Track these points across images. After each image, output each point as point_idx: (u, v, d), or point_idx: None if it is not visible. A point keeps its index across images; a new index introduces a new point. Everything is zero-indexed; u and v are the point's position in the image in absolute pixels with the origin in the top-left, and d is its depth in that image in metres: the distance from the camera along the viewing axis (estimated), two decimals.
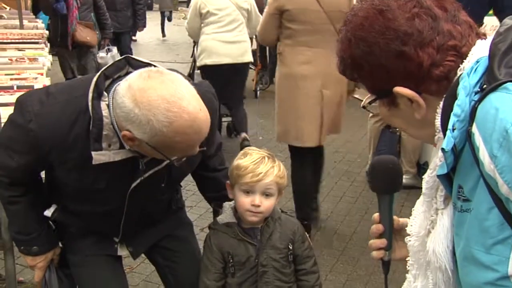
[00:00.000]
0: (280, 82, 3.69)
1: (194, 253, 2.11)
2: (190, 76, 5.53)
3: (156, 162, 1.70)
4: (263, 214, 1.87)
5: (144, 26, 8.82)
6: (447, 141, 0.92)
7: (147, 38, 13.47)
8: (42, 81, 3.15)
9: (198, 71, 5.38)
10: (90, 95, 1.56)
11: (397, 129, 3.82)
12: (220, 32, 4.84)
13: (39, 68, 3.48)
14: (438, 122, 0.98)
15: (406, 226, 1.25)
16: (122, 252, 1.99)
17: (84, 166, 1.62)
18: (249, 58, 5.00)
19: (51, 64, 3.83)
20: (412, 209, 1.14)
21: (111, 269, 1.98)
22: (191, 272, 1.99)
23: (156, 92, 1.44)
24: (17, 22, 4.78)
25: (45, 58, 3.75)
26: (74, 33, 5.69)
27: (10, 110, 2.57)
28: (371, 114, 4.73)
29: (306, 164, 3.73)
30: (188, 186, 3.53)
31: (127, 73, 1.61)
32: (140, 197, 1.77)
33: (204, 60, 4.94)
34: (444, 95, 0.97)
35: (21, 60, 3.65)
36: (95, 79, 1.58)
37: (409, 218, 1.21)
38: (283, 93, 3.65)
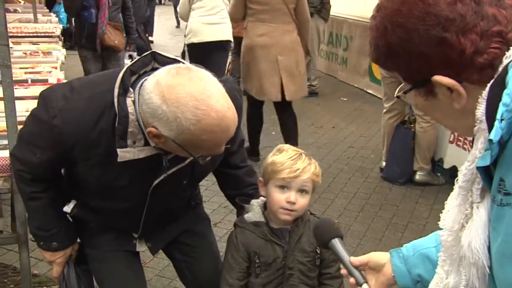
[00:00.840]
0: (244, 50, 4.73)
1: (212, 248, 2.09)
2: (182, 54, 6.38)
3: (180, 160, 1.68)
4: (297, 213, 1.81)
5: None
6: (495, 132, 0.86)
7: (159, 34, 13.47)
8: (56, 75, 3.15)
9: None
10: (116, 91, 1.53)
11: (411, 126, 3.77)
12: (205, 16, 5.58)
13: (53, 62, 3.48)
14: (479, 112, 0.93)
15: (367, 261, 1.40)
16: (141, 248, 1.97)
17: (108, 162, 1.60)
18: (229, 36, 5.73)
19: (65, 58, 3.84)
20: (445, 203, 1.08)
21: (130, 265, 1.97)
22: (208, 267, 1.98)
23: (185, 89, 1.42)
24: (31, 16, 4.81)
25: (59, 52, 3.76)
26: (103, 35, 5.33)
27: (25, 103, 2.59)
28: (385, 110, 4.70)
29: (259, 112, 4.96)
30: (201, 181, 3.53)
31: (153, 69, 1.59)
32: (162, 194, 1.75)
33: (191, 39, 5.65)
34: (488, 84, 0.92)
35: (35, 54, 3.66)
36: (121, 74, 1.55)
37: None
38: (247, 59, 4.69)
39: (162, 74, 1.48)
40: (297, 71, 4.67)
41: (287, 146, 1.88)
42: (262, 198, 1.92)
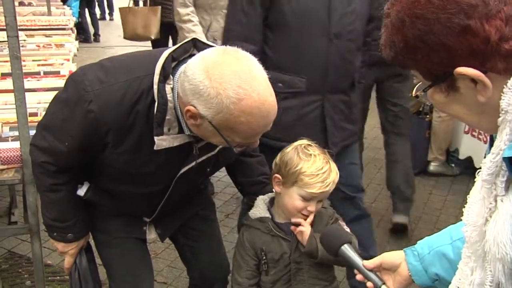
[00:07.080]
0: None
1: (215, 232, 2.10)
2: None
3: (210, 148, 1.66)
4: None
5: None
6: None
7: None
8: (68, 67, 3.17)
9: None
10: (157, 78, 1.50)
11: (427, 116, 3.69)
12: None
13: (65, 54, 3.49)
14: (504, 102, 0.89)
15: (381, 263, 1.41)
16: (150, 235, 1.95)
17: (138, 149, 1.59)
18: None
19: (78, 50, 3.85)
20: (467, 197, 1.05)
21: (139, 252, 1.97)
22: (211, 250, 1.97)
23: (231, 67, 1.41)
24: (45, 9, 4.82)
25: (71, 44, 3.77)
26: None
27: (37, 95, 2.61)
28: None
29: None
30: None
31: (191, 56, 1.56)
32: (186, 181, 1.73)
33: None
34: None
35: (48, 46, 3.68)
36: (162, 61, 1.51)
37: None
38: None
39: (208, 52, 1.48)
40: None
41: (313, 146, 1.80)
42: (268, 194, 1.88)
